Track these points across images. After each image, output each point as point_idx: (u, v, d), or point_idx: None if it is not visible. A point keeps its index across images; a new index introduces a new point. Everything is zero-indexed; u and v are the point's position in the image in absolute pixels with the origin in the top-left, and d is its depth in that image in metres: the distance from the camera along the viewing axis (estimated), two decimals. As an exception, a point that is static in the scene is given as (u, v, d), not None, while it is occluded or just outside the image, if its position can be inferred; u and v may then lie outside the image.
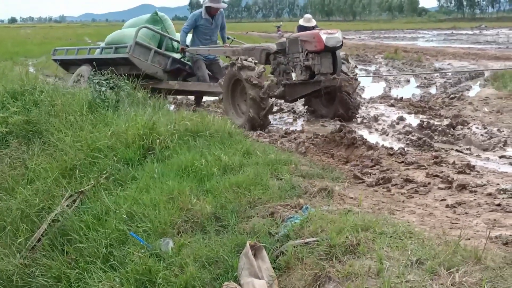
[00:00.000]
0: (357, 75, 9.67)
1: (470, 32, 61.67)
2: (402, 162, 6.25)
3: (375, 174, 5.92)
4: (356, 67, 9.71)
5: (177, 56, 11.89)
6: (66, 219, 5.65)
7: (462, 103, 10.99)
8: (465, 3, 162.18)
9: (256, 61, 8.81)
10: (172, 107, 10.92)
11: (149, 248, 4.53)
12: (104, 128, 7.28)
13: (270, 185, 5.18)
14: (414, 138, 7.63)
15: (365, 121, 9.27)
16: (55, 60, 14.35)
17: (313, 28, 13.68)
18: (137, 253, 4.49)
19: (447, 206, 4.78)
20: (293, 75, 8.89)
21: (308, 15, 14.65)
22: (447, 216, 4.52)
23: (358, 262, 3.49)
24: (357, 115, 9.49)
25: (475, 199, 4.87)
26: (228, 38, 12.29)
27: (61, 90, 9.33)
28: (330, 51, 8.40)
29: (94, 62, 11.58)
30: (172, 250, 4.45)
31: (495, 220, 4.34)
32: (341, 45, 8.49)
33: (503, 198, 4.84)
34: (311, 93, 9.01)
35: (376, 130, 8.62)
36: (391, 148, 6.97)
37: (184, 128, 6.94)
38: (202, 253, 4.23)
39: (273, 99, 9.04)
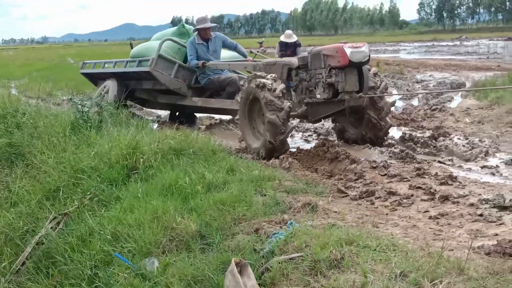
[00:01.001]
0: (388, 93, 8.80)
1: (450, 43, 62.27)
2: (385, 174, 6.28)
3: (358, 187, 5.95)
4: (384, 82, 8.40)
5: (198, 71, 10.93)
6: (51, 241, 5.63)
7: (444, 114, 11.09)
8: (445, 14, 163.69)
9: (277, 78, 7.88)
10: (155, 125, 10.82)
11: (134, 268, 4.52)
12: (87, 149, 7.28)
13: (254, 201, 5.19)
14: (396, 150, 7.68)
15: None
16: (84, 74, 13.98)
17: (294, 43, 13.77)
18: (122, 273, 4.49)
19: (430, 217, 4.80)
20: (317, 92, 8.00)
21: (289, 31, 14.70)
22: (430, 228, 4.54)
23: (343, 277, 3.51)
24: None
25: (457, 210, 4.90)
26: (251, 52, 11.75)
27: (43, 112, 9.31)
28: (356, 66, 7.53)
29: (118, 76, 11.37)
30: (157, 270, 4.45)
31: (477, 230, 4.38)
32: (368, 60, 7.61)
33: (485, 208, 4.87)
34: (336, 113, 8.18)
35: (359, 144, 8.64)
36: (374, 161, 7.00)
37: (167, 147, 6.95)
38: (188, 272, 4.23)
39: (294, 121, 8.51)
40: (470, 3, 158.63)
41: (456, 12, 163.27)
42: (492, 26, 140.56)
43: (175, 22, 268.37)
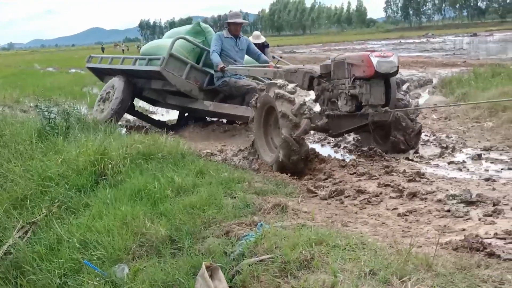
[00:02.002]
0: (417, 105, 8.19)
1: (417, 40, 63.06)
2: (354, 173, 6.31)
3: (328, 187, 5.97)
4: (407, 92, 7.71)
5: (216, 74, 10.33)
6: (19, 251, 5.54)
7: (412, 111, 11.17)
8: (411, 12, 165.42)
9: (297, 87, 7.10)
10: (123, 130, 10.68)
11: (104, 276, 4.47)
12: (54, 156, 7.19)
13: (224, 204, 5.17)
14: (365, 149, 7.72)
15: (317, 134, 9.32)
16: (90, 68, 13.40)
17: (262, 44, 13.74)
18: (92, 281, 4.43)
19: (398, 214, 4.84)
20: (339, 104, 7.30)
21: (256, 32, 14.70)
22: (399, 225, 4.58)
23: (313, 277, 3.51)
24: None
25: (425, 206, 4.94)
26: (273, 58, 11.14)
27: (9, 120, 9.18)
28: (383, 78, 6.81)
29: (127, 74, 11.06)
30: (127, 276, 4.41)
31: (445, 226, 4.42)
32: (397, 71, 6.88)
33: (452, 204, 4.92)
34: (358, 128, 7.35)
35: (329, 143, 8.69)
36: (343, 160, 7.05)
37: (136, 152, 6.90)
38: (158, 277, 4.20)
39: (312, 134, 7.81)
40: (436, 0, 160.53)
41: (422, 9, 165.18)
42: (457, 23, 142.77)
43: (142, 25, 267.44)
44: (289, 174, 6.55)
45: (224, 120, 11.62)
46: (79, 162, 6.73)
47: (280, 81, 7.06)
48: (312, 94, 7.74)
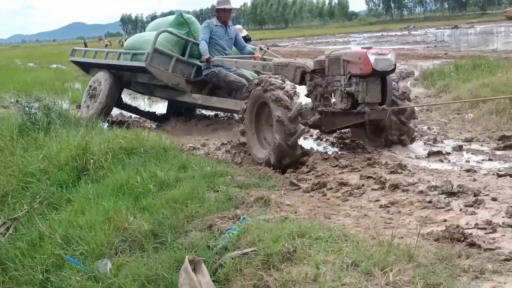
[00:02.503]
0: (414, 103, 8.03)
1: (399, 33, 63.26)
2: (337, 165, 6.32)
3: (310, 179, 5.98)
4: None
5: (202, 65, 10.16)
6: (0, 247, 5.51)
7: (393, 103, 11.22)
8: (393, 5, 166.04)
9: (288, 80, 7.19)
10: (105, 125, 10.60)
11: (87, 271, 4.47)
12: (35, 152, 7.17)
13: (207, 198, 5.18)
14: (347, 141, 7.75)
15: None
16: (74, 62, 13.19)
17: (244, 38, 13.67)
18: (75, 277, 4.43)
19: (380, 206, 4.86)
20: (333, 101, 7.22)
21: (238, 26, 14.66)
22: (381, 217, 4.60)
23: (295, 269, 3.52)
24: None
25: (407, 198, 4.97)
26: (260, 49, 10.79)
27: (-11, 116, 9.11)
28: (379, 76, 6.67)
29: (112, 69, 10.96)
30: (110, 271, 4.41)
31: (426, 217, 4.45)
32: (394, 69, 6.76)
33: (433, 195, 4.95)
34: (353, 125, 7.26)
35: (311, 135, 8.71)
36: (326, 153, 7.06)
37: (118, 146, 6.89)
38: (141, 272, 4.20)
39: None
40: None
41: (403, 2, 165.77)
42: (439, 15, 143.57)
43: (124, 20, 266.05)
44: (271, 168, 6.57)
45: (212, 112, 11.62)
46: (61, 157, 6.70)
47: (277, 80, 6.95)
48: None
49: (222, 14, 9.98)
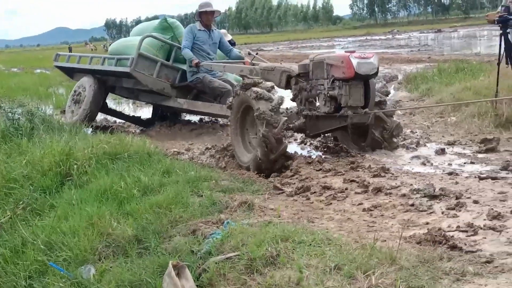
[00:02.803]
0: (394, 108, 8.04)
1: (383, 37, 63.60)
2: (320, 169, 6.34)
3: (294, 183, 6.00)
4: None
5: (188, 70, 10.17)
6: (-17, 254, 5.47)
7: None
8: (376, 9, 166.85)
9: (274, 86, 7.29)
10: (89, 130, 10.53)
11: (70, 277, 4.44)
12: (18, 157, 7.14)
13: (191, 202, 5.19)
14: (331, 145, 7.78)
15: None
16: (58, 67, 13.13)
17: (229, 42, 13.65)
18: (58, 283, 4.40)
19: (364, 210, 4.88)
20: (317, 104, 7.24)
21: (223, 30, 14.66)
22: (364, 220, 4.62)
23: (279, 273, 3.54)
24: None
25: (390, 201, 4.99)
26: (249, 54, 10.75)
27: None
28: (362, 79, 6.67)
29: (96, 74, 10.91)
30: (94, 277, 4.39)
31: (409, 220, 4.48)
32: (377, 72, 6.78)
33: (416, 198, 4.98)
34: (337, 129, 7.26)
35: (295, 140, 8.73)
36: (310, 157, 7.09)
37: (102, 152, 6.88)
38: (125, 278, 4.18)
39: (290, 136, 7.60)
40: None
41: (387, 6, 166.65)
42: (422, 19, 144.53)
43: (108, 24, 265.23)
44: (255, 172, 6.58)
45: (197, 117, 11.63)
46: (44, 163, 6.68)
47: (256, 79, 7.01)
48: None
49: (205, 18, 9.92)
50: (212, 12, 10.05)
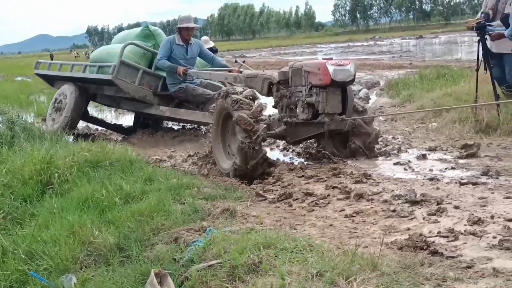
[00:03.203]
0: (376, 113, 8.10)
1: (365, 43, 63.96)
2: (303, 176, 6.36)
3: (276, 190, 6.01)
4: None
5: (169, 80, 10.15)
6: (-37, 264, 5.41)
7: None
8: (358, 15, 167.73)
9: (256, 94, 7.26)
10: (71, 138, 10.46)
11: (51, 286, 4.42)
12: (-1, 166, 7.06)
13: (173, 210, 5.17)
14: (313, 151, 7.80)
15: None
16: (38, 75, 13.06)
17: (211, 49, 13.65)
18: (39, 292, 4.37)
19: (346, 216, 4.89)
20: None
21: (205, 37, 14.71)
22: (346, 226, 4.63)
23: (261, 280, 3.53)
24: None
25: (372, 207, 5.01)
26: (236, 62, 10.81)
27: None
28: (339, 86, 6.76)
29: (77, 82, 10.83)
30: (75, 286, 4.36)
31: (390, 226, 4.50)
32: (353, 79, 6.85)
33: (397, 204, 5.01)
34: (315, 135, 7.36)
35: (278, 146, 8.74)
36: (292, 163, 7.11)
37: (83, 160, 6.85)
38: (106, 286, 4.17)
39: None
40: (382, 4, 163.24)
41: (369, 12, 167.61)
42: (404, 25, 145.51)
43: (90, 31, 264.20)
44: (237, 179, 6.58)
45: (179, 124, 11.62)
46: (25, 171, 6.63)
47: (237, 87, 7.04)
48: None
49: (185, 33, 9.93)
50: (192, 28, 10.07)
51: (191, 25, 10.01)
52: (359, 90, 7.29)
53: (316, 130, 7.00)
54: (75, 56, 69.45)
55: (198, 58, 10.33)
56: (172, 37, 10.00)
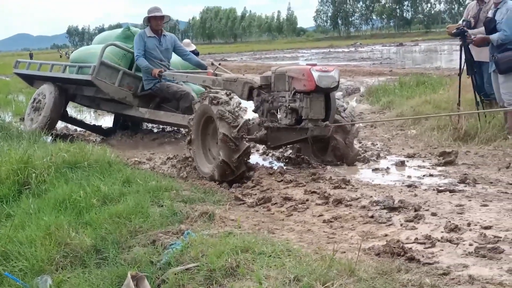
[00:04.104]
0: (356, 120, 8.00)
1: (346, 49, 64.22)
2: (282, 180, 6.37)
3: (255, 194, 6.01)
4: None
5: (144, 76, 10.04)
6: None
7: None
8: (340, 22, 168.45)
9: (235, 95, 7.22)
10: (49, 139, 10.34)
11: (26, 288, 4.36)
12: (-25, 166, 6.96)
13: (151, 212, 5.15)
14: (293, 156, 7.82)
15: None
16: (18, 74, 12.83)
17: (192, 52, 13.58)
18: (13, 294, 4.32)
19: (324, 221, 4.91)
20: (279, 116, 7.28)
21: (186, 40, 14.64)
22: (324, 231, 4.65)
23: (238, 284, 3.53)
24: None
25: (350, 213, 5.04)
26: (212, 64, 10.58)
27: None
28: (323, 92, 6.79)
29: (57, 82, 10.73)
30: (50, 288, 4.32)
31: (368, 231, 4.52)
32: (337, 86, 6.90)
33: (375, 210, 5.04)
34: (297, 141, 7.36)
35: (257, 151, 8.74)
36: (271, 168, 7.11)
37: (61, 160, 6.79)
38: (82, 288, 4.13)
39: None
40: (364, 10, 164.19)
41: (350, 19, 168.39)
42: (384, 33, 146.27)
43: (71, 31, 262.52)
44: (217, 183, 6.57)
45: (159, 126, 11.58)
46: (1, 171, 6.54)
47: (223, 96, 6.94)
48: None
49: (154, 23, 9.77)
50: (162, 17, 9.91)
51: (159, 13, 9.82)
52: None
53: (299, 135, 7.00)
54: (60, 56, 68.95)
55: (179, 59, 10.28)
56: (142, 31, 9.89)
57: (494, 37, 8.01)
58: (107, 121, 13.37)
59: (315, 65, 6.91)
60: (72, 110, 14.39)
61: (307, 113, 6.75)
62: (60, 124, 12.31)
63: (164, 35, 9.91)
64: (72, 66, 10.80)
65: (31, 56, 62.70)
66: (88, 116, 15.17)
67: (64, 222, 5.05)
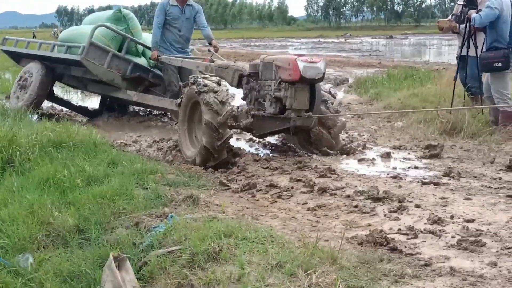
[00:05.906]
0: (340, 112, 7.94)
1: (336, 40, 64.20)
2: (267, 167, 6.38)
3: (240, 180, 6.01)
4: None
5: (141, 61, 10.33)
6: None
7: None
8: (331, 12, 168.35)
9: (224, 82, 7.17)
10: (35, 117, 10.25)
11: (7, 265, 4.33)
12: (-42, 142, 6.90)
13: (135, 195, 5.15)
14: (279, 144, 7.81)
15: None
16: (5, 51, 12.54)
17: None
18: (-6, 271, 4.28)
19: (308, 209, 4.93)
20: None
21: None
22: (308, 219, 4.66)
23: (220, 269, 3.53)
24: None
25: (334, 202, 5.05)
26: (209, 51, 10.23)
27: None
28: (308, 83, 6.77)
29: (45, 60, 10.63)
30: (31, 266, 4.29)
31: (352, 221, 4.54)
32: (322, 77, 6.85)
33: (360, 199, 5.06)
34: (281, 130, 7.38)
35: (244, 137, 8.73)
36: (257, 154, 7.12)
37: (46, 139, 6.75)
38: (63, 268, 4.12)
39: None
40: (355, 2, 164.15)
41: (341, 10, 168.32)
42: (375, 25, 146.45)
43: (60, 11, 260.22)
44: (202, 166, 6.55)
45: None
46: (-15, 148, 6.49)
47: (211, 83, 6.89)
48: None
49: None
50: None
51: None
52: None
53: (282, 125, 6.98)
54: (51, 35, 68.31)
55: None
56: (166, 0, 9.57)
57: (473, 14, 8.11)
58: (93, 102, 13.27)
59: (302, 55, 6.90)
60: (58, 90, 14.27)
61: (291, 103, 6.73)
62: (46, 104, 12.21)
63: (189, 4, 9.62)
64: (61, 46, 10.71)
65: (34, 36, 62.12)
66: (75, 96, 15.06)
67: (48, 201, 5.03)
